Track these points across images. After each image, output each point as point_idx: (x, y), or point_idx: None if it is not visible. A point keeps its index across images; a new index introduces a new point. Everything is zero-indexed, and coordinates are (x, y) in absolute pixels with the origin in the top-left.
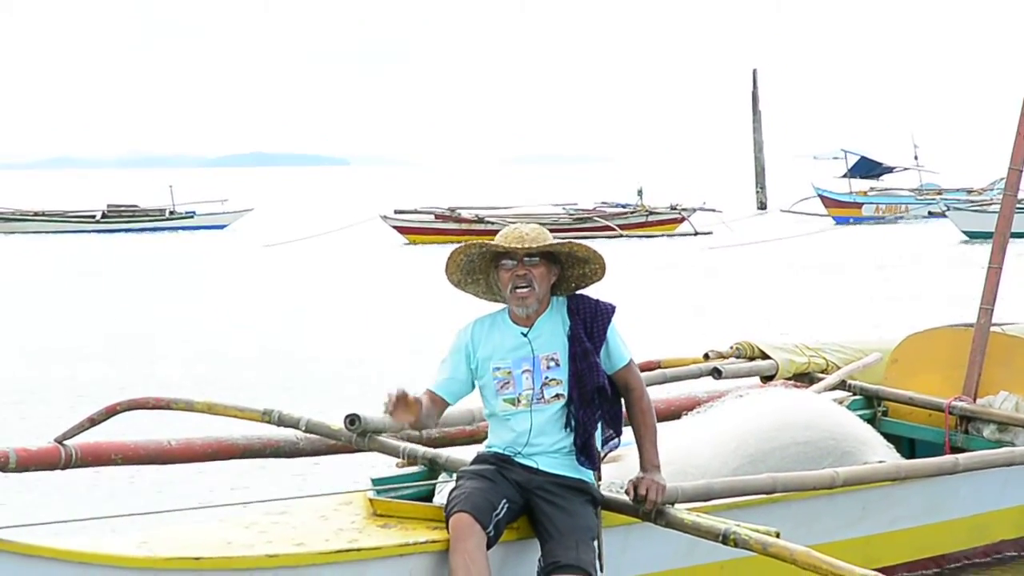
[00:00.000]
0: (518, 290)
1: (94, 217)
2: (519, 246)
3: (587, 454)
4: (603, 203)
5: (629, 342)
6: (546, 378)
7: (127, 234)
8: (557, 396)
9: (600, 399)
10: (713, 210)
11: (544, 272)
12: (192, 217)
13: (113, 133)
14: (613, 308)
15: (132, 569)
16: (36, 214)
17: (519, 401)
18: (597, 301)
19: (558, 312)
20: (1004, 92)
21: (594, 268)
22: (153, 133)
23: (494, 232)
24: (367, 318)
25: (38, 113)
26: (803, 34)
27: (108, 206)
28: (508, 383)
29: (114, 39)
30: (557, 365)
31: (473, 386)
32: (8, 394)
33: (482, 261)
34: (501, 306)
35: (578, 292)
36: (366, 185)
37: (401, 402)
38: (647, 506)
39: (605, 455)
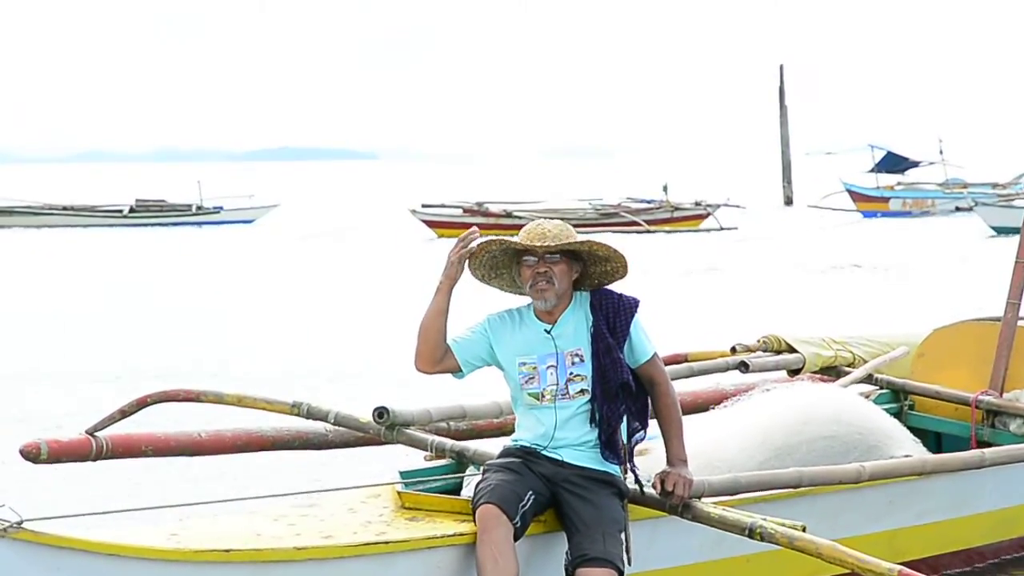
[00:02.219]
0: (538, 285)
1: (121, 212)
2: (539, 244)
3: (612, 449)
4: (628, 199)
5: (655, 336)
6: (571, 374)
7: (154, 229)
8: (581, 391)
9: (624, 394)
10: (737, 206)
11: (565, 269)
12: (219, 212)
13: (143, 128)
14: (637, 302)
15: (162, 561)
16: (64, 208)
17: (543, 396)
18: (620, 295)
19: (581, 307)
20: None
21: (615, 266)
22: (183, 128)
23: (521, 227)
24: (394, 311)
25: (69, 108)
26: (829, 29)
27: (136, 201)
28: (533, 378)
29: (145, 34)
30: (581, 361)
31: (480, 365)
32: (38, 386)
33: (505, 257)
34: (527, 300)
35: (603, 288)
36: (395, 179)
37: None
38: (674, 500)
39: (632, 448)
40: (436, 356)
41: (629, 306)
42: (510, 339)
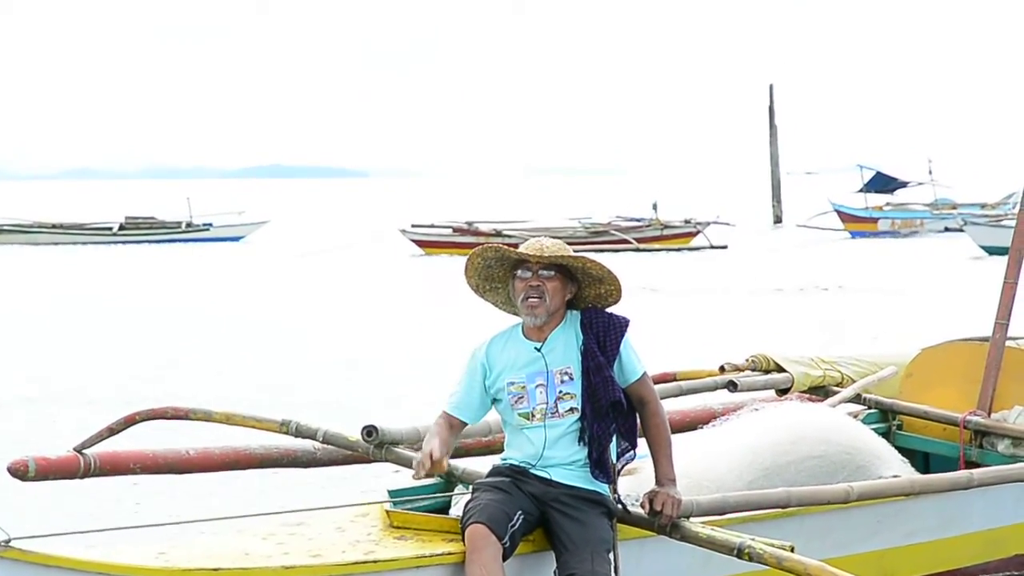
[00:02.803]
0: (529, 300)
1: (111, 229)
2: (530, 254)
3: (601, 468)
4: (618, 217)
5: (644, 355)
6: (560, 392)
7: (144, 246)
8: (571, 410)
9: (615, 413)
10: (727, 223)
11: (558, 286)
12: (208, 229)
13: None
14: (627, 321)
15: None
16: (54, 226)
17: (533, 416)
18: (611, 314)
19: (571, 326)
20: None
21: (609, 289)
22: (173, 145)
23: (511, 246)
24: (382, 331)
25: (58, 125)
26: (817, 49)
27: (126, 218)
28: (522, 397)
29: (134, 51)
30: (571, 379)
31: (489, 406)
32: (26, 405)
33: (500, 269)
34: (516, 320)
35: (593, 307)
36: (386, 197)
37: (436, 466)
38: (663, 520)
39: (621, 468)
40: (456, 443)
41: (619, 325)
42: (500, 359)
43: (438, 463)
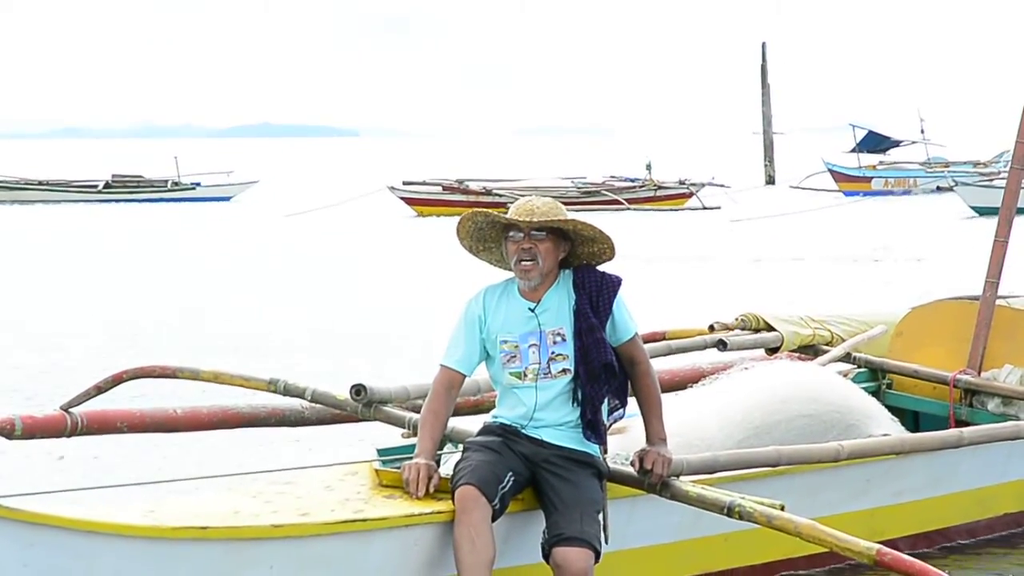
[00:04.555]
0: (522, 263)
1: (96, 187)
2: (525, 219)
3: (594, 429)
4: (612, 177)
5: (635, 314)
6: (552, 353)
7: (130, 204)
8: (564, 371)
9: (607, 375)
10: (722, 185)
11: (551, 247)
12: (196, 188)
13: (122, 104)
14: (619, 280)
15: (138, 538)
16: (40, 183)
17: (525, 375)
18: (603, 273)
19: (564, 286)
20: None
21: (602, 248)
22: (162, 104)
23: (501, 204)
24: (373, 289)
25: (47, 83)
26: (809, 7)
27: (112, 176)
28: (515, 356)
29: (124, 9)
30: (564, 340)
31: (488, 355)
32: (12, 364)
33: (492, 231)
34: (511, 275)
35: (586, 265)
36: (376, 156)
37: (432, 481)
38: (653, 479)
39: (610, 426)
40: (455, 400)
41: (612, 284)
42: (495, 315)
43: (433, 477)
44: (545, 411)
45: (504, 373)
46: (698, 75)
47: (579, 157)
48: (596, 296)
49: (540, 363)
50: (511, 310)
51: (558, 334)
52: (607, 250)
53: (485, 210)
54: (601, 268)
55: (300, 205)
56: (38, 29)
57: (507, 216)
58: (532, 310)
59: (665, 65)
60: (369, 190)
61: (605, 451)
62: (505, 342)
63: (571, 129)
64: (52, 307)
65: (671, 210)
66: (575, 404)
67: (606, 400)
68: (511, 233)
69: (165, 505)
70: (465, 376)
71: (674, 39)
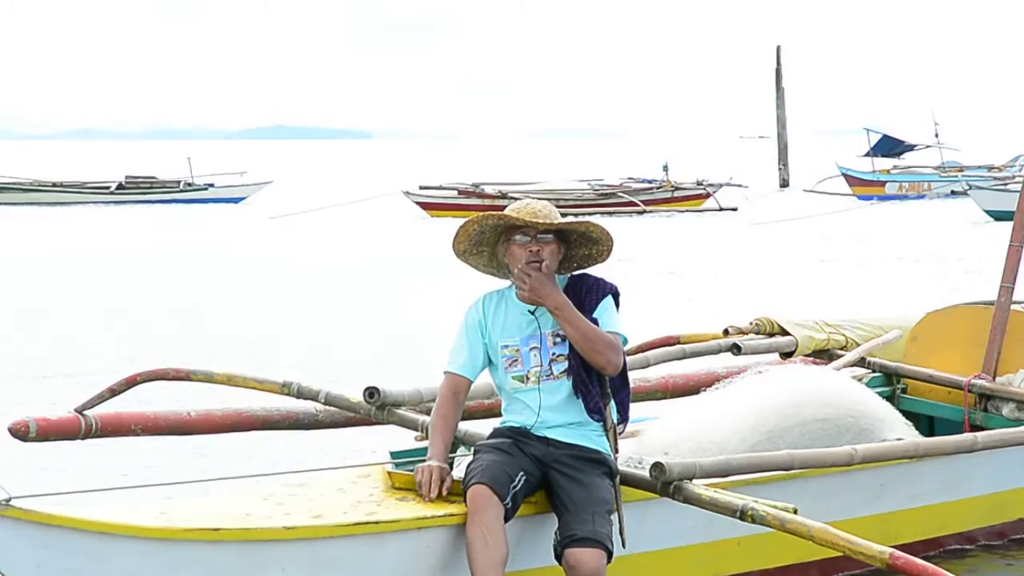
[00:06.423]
0: (531, 265)
1: (109, 188)
2: (537, 221)
3: (595, 408)
4: (629, 179)
5: (650, 317)
6: (553, 354)
7: (143, 205)
8: (565, 371)
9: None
10: (740, 186)
11: (555, 249)
12: (208, 189)
13: (137, 105)
14: (611, 286)
15: (151, 539)
16: (54, 185)
17: (528, 379)
18: (597, 279)
19: (559, 288)
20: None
21: (600, 249)
22: (177, 106)
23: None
24: (386, 291)
25: (61, 85)
26: (824, 10)
27: (126, 177)
28: (516, 360)
29: (139, 11)
30: (563, 340)
31: (490, 361)
32: (27, 366)
33: (492, 234)
34: (505, 283)
35: (582, 272)
36: (389, 158)
37: (444, 484)
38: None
39: (623, 430)
40: (463, 405)
41: (602, 288)
42: (495, 320)
43: (445, 480)
44: (551, 412)
45: (507, 378)
46: (711, 78)
47: (593, 159)
48: (584, 296)
49: (542, 365)
50: (510, 315)
51: (557, 335)
52: (604, 252)
53: (492, 213)
54: (611, 274)
55: (309, 205)
56: (51, 31)
57: (516, 217)
58: (532, 312)
59: (677, 68)
60: (383, 192)
61: (615, 451)
62: (506, 347)
63: (584, 132)
64: (66, 309)
65: (690, 211)
66: (578, 396)
67: (612, 404)
68: (517, 236)
69: (178, 507)
70: (471, 381)
71: (686, 42)
